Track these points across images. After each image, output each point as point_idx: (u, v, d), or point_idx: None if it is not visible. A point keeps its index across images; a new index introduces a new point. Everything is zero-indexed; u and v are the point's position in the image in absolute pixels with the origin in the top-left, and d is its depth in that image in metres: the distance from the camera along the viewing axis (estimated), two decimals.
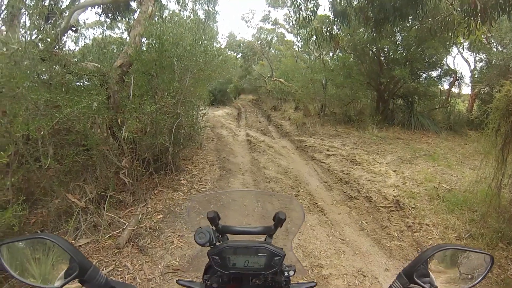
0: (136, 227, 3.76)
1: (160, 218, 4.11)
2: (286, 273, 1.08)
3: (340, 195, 5.61)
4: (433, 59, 10.90)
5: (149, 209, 4.26)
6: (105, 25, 10.83)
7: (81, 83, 4.31)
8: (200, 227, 1.03)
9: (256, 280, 1.07)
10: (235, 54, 25.54)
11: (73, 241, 3.33)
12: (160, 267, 3.22)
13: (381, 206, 4.88)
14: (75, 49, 5.62)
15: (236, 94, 24.51)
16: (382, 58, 11.08)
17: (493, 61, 11.33)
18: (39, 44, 3.49)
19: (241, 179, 6.05)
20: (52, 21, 4.13)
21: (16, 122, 2.80)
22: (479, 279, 0.76)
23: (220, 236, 1.09)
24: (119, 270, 3.11)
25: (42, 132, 3.08)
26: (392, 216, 4.59)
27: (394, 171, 6.19)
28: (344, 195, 5.56)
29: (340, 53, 12.33)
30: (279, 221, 1.07)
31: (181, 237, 3.75)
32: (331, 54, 13.48)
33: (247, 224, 1.17)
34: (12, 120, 2.86)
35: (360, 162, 6.83)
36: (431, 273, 0.76)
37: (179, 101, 5.30)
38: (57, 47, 3.86)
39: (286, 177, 6.23)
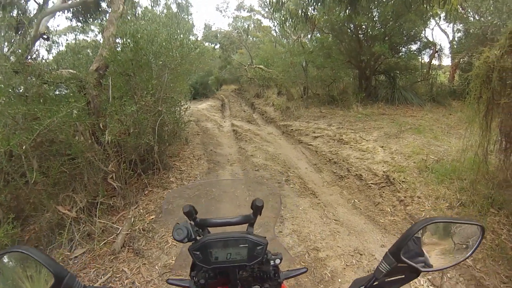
0: (129, 230, 3.74)
1: (152, 218, 4.08)
2: (272, 262, 1.05)
3: (330, 176, 5.61)
4: (412, 32, 10.93)
5: (141, 210, 4.23)
6: (77, 29, 10.55)
7: (59, 92, 4.24)
8: (178, 223, 0.99)
9: (243, 272, 1.04)
10: (213, 45, 25.28)
11: (68, 253, 3.29)
12: (157, 267, 3.20)
13: (372, 183, 4.89)
14: (48, 58, 5.43)
15: (217, 85, 24.29)
16: (361, 35, 11.00)
17: (471, 31, 11.39)
18: (10, 56, 3.41)
19: (230, 170, 5.99)
20: (21, 32, 3.97)
21: None
22: (471, 251, 0.72)
23: (200, 230, 1.06)
24: (117, 276, 3.09)
25: (24, 147, 3.02)
26: (383, 192, 4.61)
27: (382, 147, 6.22)
28: (334, 176, 5.56)
29: (318, 34, 12.27)
30: (257, 208, 1.03)
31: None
32: (309, 36, 13.36)
33: (226, 216, 1.13)
34: None
35: (347, 141, 6.85)
36: (422, 249, 0.73)
37: (159, 98, 5.24)
38: (30, 57, 3.76)
39: (274, 163, 6.20)
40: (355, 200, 4.62)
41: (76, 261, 3.23)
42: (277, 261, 1.06)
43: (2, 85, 3.14)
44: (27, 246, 0.73)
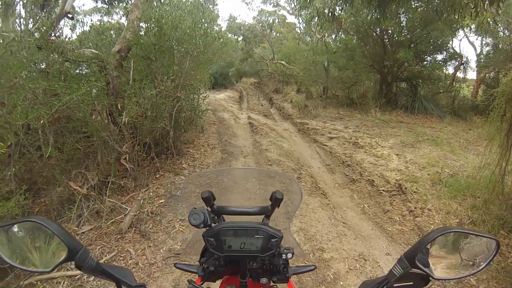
0: (138, 212, 3.77)
1: (161, 202, 4.12)
2: (284, 256, 1.05)
3: (342, 178, 5.59)
4: (439, 42, 10.69)
5: (151, 193, 4.27)
6: (102, 11, 10.64)
7: (80, 71, 4.30)
8: (195, 208, 0.98)
9: (253, 263, 1.04)
10: (236, 37, 25.28)
11: (76, 228, 3.36)
12: (162, 251, 3.24)
13: (383, 190, 4.86)
14: (72, 37, 5.52)
15: (237, 77, 24.31)
16: (386, 40, 10.84)
17: (499, 46, 11.10)
18: (35, 33, 3.46)
19: (243, 162, 6.02)
20: (47, 9, 4.04)
21: (15, 112, 2.78)
22: (484, 265, 0.72)
23: (216, 217, 1.05)
24: (122, 255, 3.14)
25: (41, 121, 3.06)
26: (394, 200, 4.58)
27: (397, 154, 6.15)
28: (346, 178, 5.54)
29: (343, 35, 12.12)
30: (276, 200, 1.02)
31: (183, 221, 3.76)
32: (333, 36, 13.23)
33: (243, 205, 1.12)
34: (11, 110, 2.84)
35: (363, 145, 6.80)
36: (431, 259, 0.73)
37: (179, 84, 5.26)
38: (53, 34, 3.82)
39: (288, 159, 6.20)
40: (365, 205, 4.61)
41: (83, 236, 3.30)
42: (289, 255, 1.05)
43: (25, 60, 3.18)
44: (42, 217, 0.74)
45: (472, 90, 12.94)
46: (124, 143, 4.26)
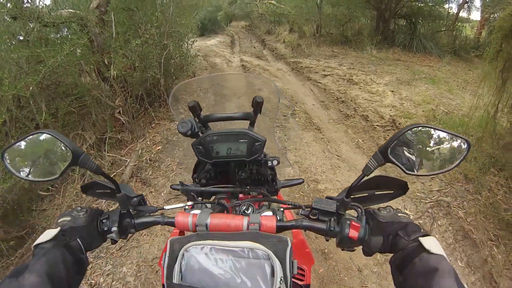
0: (137, 162, 3.87)
1: (159, 149, 4.22)
2: (269, 163, 1.09)
3: (336, 114, 5.50)
4: None
5: (148, 142, 4.34)
6: None
7: (60, 34, 4.22)
8: (183, 118, 1.01)
9: (242, 172, 1.09)
10: None
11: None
12: (163, 194, 3.36)
13: (377, 125, 4.79)
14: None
15: (227, 21, 23.19)
16: None
17: None
18: (7, 4, 3.24)
19: (237, 102, 5.86)
20: None
21: (3, 86, 2.72)
22: (456, 163, 0.70)
23: (203, 127, 1.07)
24: None
25: (30, 88, 3.01)
26: (388, 135, 4.53)
27: (392, 91, 6.02)
28: (341, 114, 5.45)
29: None
30: (257, 104, 1.02)
31: (180, 164, 3.84)
32: None
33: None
34: None
35: (357, 82, 6.63)
36: (404, 155, 0.72)
37: (165, 32, 5.13)
38: (27, 1, 3.55)
39: (282, 98, 6.07)
40: (359, 140, 4.55)
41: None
42: (275, 162, 1.08)
43: (1, 33, 3.10)
44: (49, 129, 0.78)
45: (475, 31, 12.45)
46: (116, 98, 4.25)
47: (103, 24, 4.29)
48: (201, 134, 1.02)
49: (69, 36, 3.98)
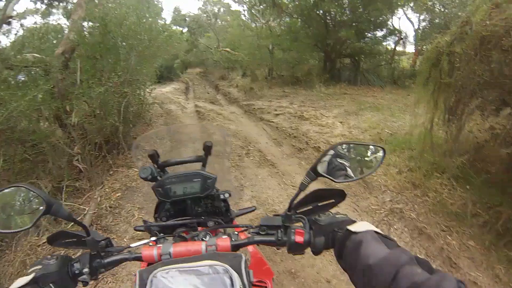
0: (96, 209, 3.73)
1: (118, 195, 4.11)
2: (222, 196, 1.18)
3: (289, 149, 5.65)
4: (379, 20, 11.20)
5: (107, 190, 4.21)
6: (39, 12, 9.92)
7: (24, 77, 4.18)
8: (143, 166, 1.16)
9: (198, 207, 1.18)
10: (181, 28, 24.72)
11: (36, 238, 3.18)
12: (125, 240, 3.28)
13: None
14: (8, 42, 5.18)
15: (183, 68, 23.76)
16: (329, 21, 11.17)
17: (435, 20, 11.83)
18: None
19: (192, 147, 5.88)
20: None
21: None
22: (376, 167, 0.86)
23: (161, 172, 1.21)
24: None
25: None
26: None
27: (341, 122, 6.34)
28: (294, 149, 5.60)
29: (287, 19, 12.39)
30: (207, 149, 1.19)
31: (141, 209, 3.81)
32: (278, 20, 13.37)
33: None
34: None
35: (308, 118, 6.92)
36: (333, 169, 0.85)
37: (125, 80, 5.20)
38: None
39: (236, 139, 6.15)
40: None
41: (44, 247, 3.09)
42: (226, 195, 1.18)
43: None
44: (21, 182, 0.85)
45: (411, 62, 13.71)
46: (74, 145, 4.19)
47: (67, 70, 4.31)
48: (159, 178, 1.14)
49: (36, 80, 3.96)
